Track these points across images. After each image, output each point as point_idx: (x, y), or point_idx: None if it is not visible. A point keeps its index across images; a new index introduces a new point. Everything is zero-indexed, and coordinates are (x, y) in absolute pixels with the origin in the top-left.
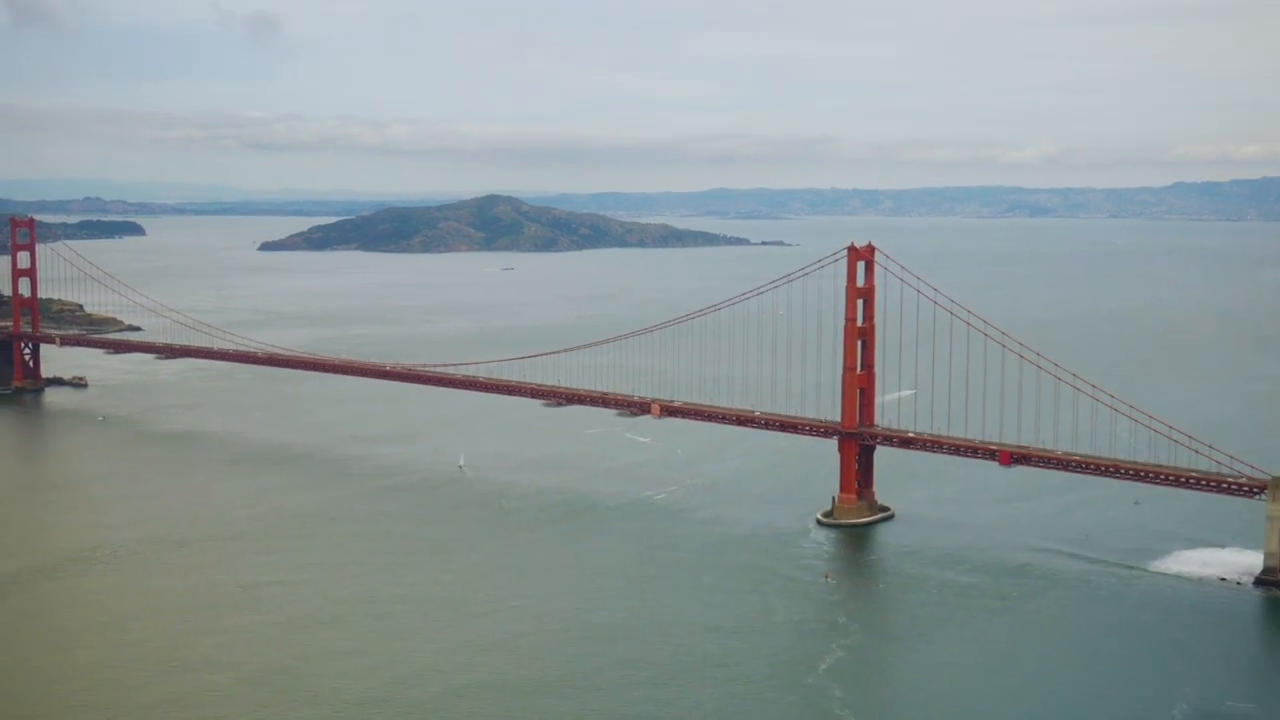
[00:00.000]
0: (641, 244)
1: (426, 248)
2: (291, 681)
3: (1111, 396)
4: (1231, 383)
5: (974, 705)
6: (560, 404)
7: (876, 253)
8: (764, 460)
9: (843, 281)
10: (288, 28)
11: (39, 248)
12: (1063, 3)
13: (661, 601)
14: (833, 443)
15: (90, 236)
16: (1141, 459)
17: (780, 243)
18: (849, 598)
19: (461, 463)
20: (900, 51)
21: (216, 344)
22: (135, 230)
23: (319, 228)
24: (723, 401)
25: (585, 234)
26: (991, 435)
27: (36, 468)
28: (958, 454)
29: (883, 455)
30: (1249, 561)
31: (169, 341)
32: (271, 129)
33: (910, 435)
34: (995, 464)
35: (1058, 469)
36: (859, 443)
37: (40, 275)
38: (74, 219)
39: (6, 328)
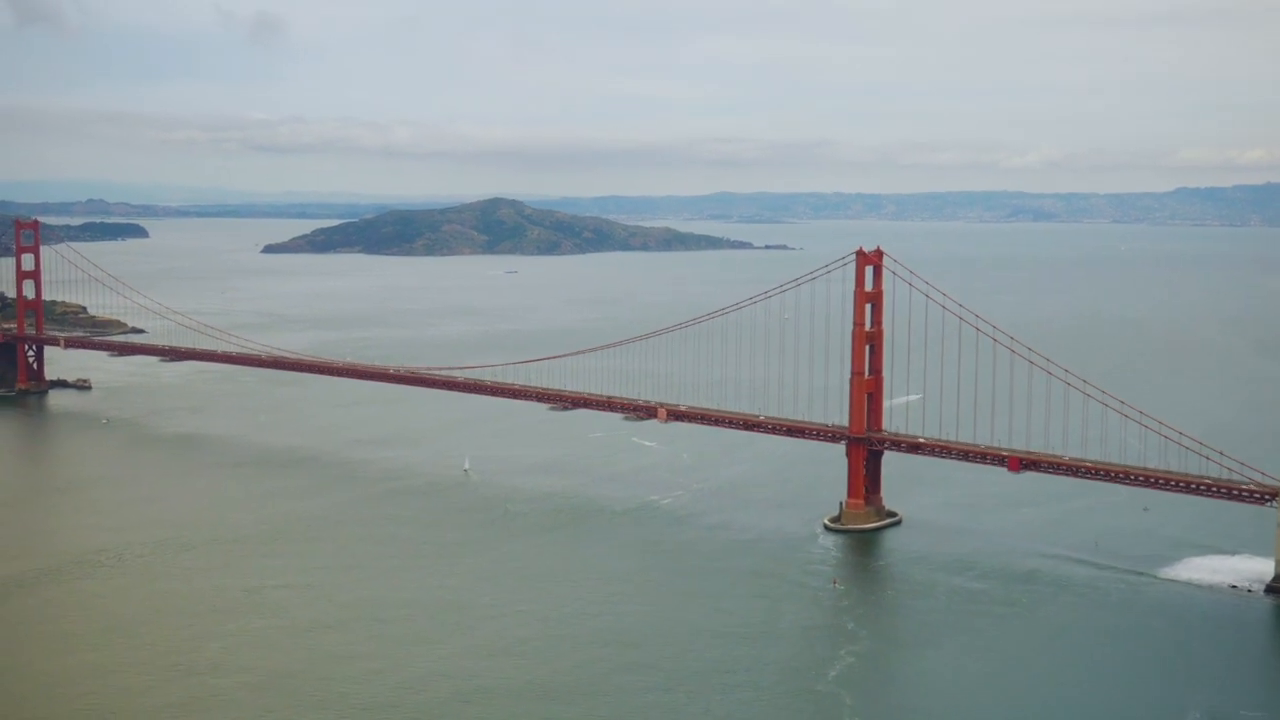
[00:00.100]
0: (645, 247)
1: (429, 251)
2: (298, 686)
3: (1121, 402)
4: (1240, 388)
5: (984, 713)
6: (566, 408)
7: (885, 257)
8: (771, 465)
9: (848, 286)
10: (290, 30)
11: (42, 249)
12: (1065, 6)
13: (668, 606)
14: (840, 448)
15: (93, 238)
16: (1151, 465)
17: (784, 247)
18: (857, 604)
19: (467, 466)
20: (902, 55)
21: (220, 347)
22: (138, 232)
23: (322, 230)
24: (729, 406)
25: (588, 237)
26: (1000, 440)
27: (40, 470)
28: (966, 459)
29: (890, 460)
30: (1260, 569)
31: (173, 344)
32: (274, 131)
33: (919, 440)
34: (1003, 469)
35: (1067, 475)
36: (867, 448)
37: (44, 277)
38: (77, 221)
39: (11, 330)
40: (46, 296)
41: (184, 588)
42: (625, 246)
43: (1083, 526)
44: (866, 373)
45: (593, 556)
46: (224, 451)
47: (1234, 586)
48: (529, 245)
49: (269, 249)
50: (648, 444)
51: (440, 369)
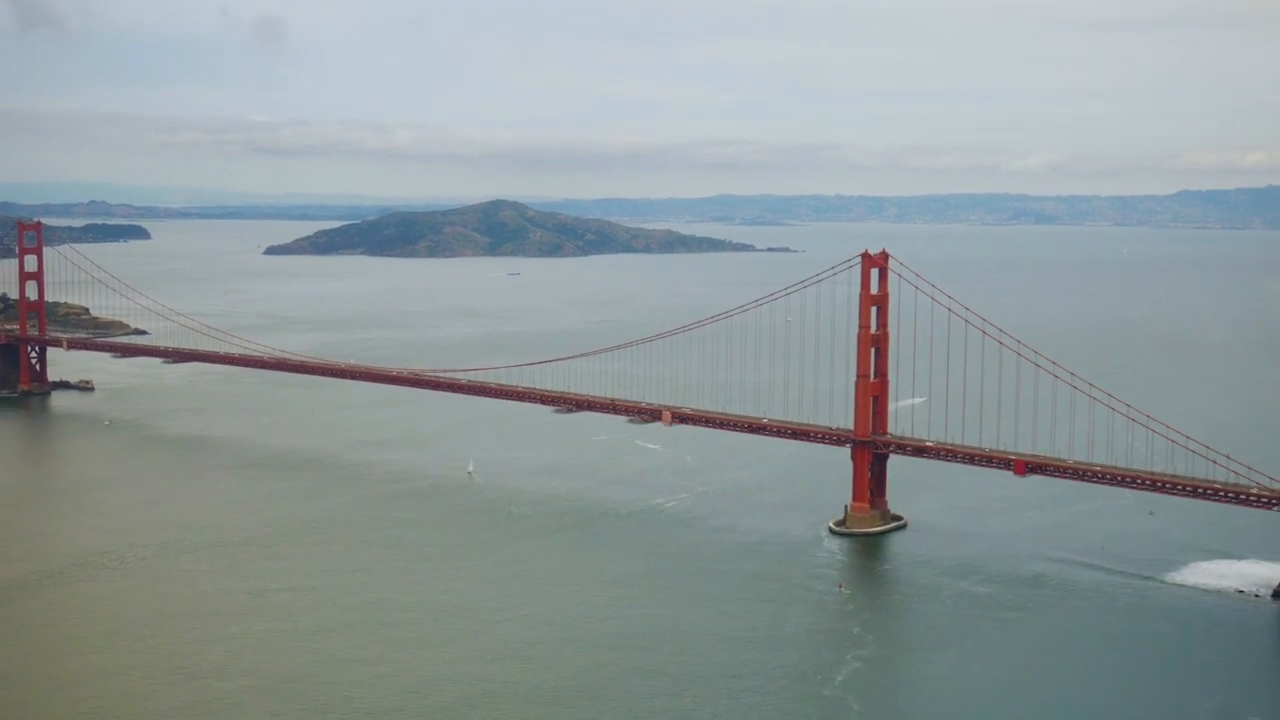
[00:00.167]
0: (647, 249)
1: (432, 252)
2: (302, 690)
3: (1127, 405)
4: (1244, 391)
5: (991, 718)
6: (570, 410)
7: (890, 259)
8: (775, 468)
9: (853, 288)
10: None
11: (45, 251)
12: (1067, 9)
13: (674, 610)
14: (845, 451)
15: (95, 240)
16: (1157, 469)
17: (786, 249)
18: (863, 608)
19: (471, 469)
20: (905, 58)
21: (223, 348)
22: (140, 234)
23: (324, 232)
24: (734, 409)
25: (591, 239)
26: (1005, 444)
27: (43, 472)
28: (972, 463)
29: (896, 464)
30: (1267, 573)
31: (176, 345)
32: (277, 133)
33: (924, 444)
34: (1008, 473)
35: (1073, 479)
36: (872, 451)
37: (46, 278)
38: (79, 222)
39: (13, 331)
40: (49, 298)
41: (187, 590)
42: (627, 249)
43: (1089, 530)
44: (872, 376)
45: (598, 559)
46: (227, 453)
47: (1241, 591)
48: (531, 247)
49: (271, 250)
50: (652, 447)
51: (444, 371)
